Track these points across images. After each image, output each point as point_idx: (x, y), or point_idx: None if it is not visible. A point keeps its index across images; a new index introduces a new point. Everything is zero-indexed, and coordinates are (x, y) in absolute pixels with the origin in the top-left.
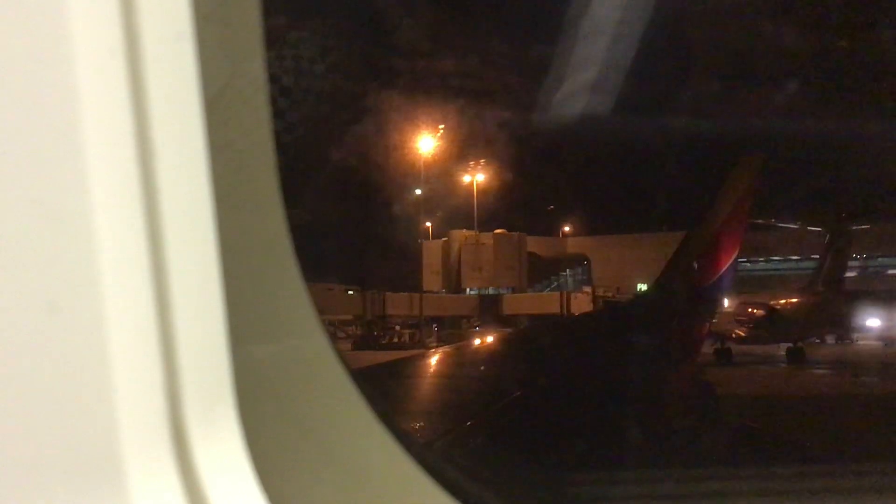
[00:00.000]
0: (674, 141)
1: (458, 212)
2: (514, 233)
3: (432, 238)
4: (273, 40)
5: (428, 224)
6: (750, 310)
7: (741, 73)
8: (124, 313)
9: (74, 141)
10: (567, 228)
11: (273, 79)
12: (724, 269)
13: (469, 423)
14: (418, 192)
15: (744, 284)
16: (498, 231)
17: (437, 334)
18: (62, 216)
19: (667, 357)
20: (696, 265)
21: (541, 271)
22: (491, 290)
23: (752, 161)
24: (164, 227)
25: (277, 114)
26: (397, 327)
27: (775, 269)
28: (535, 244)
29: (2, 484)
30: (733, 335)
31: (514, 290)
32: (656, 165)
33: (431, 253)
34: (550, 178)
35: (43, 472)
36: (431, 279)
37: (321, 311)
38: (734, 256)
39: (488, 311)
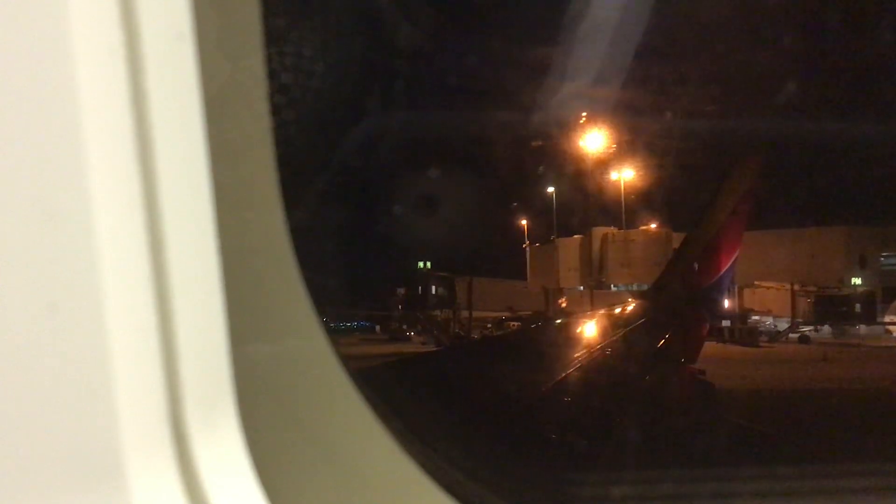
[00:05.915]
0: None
1: (564, 209)
2: (661, 229)
3: (528, 237)
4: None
5: (524, 222)
6: None
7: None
8: (124, 313)
9: (74, 140)
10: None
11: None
12: (724, 270)
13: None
14: (550, 189)
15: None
16: (644, 227)
17: None
18: (62, 216)
19: (668, 358)
20: (696, 266)
21: None
22: (635, 287)
23: (751, 162)
24: (164, 226)
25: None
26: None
27: None
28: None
29: (2, 484)
30: None
31: None
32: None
33: (568, 250)
34: (668, 174)
35: (43, 471)
36: (569, 276)
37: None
38: (734, 257)
39: None
